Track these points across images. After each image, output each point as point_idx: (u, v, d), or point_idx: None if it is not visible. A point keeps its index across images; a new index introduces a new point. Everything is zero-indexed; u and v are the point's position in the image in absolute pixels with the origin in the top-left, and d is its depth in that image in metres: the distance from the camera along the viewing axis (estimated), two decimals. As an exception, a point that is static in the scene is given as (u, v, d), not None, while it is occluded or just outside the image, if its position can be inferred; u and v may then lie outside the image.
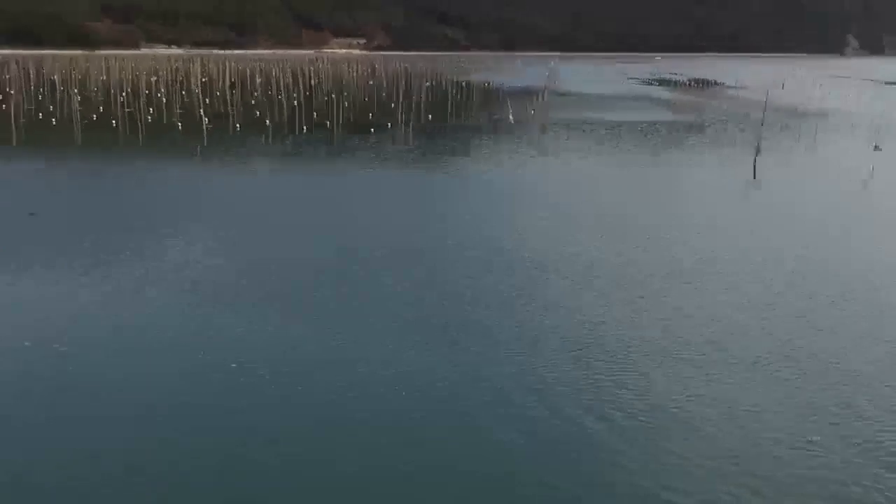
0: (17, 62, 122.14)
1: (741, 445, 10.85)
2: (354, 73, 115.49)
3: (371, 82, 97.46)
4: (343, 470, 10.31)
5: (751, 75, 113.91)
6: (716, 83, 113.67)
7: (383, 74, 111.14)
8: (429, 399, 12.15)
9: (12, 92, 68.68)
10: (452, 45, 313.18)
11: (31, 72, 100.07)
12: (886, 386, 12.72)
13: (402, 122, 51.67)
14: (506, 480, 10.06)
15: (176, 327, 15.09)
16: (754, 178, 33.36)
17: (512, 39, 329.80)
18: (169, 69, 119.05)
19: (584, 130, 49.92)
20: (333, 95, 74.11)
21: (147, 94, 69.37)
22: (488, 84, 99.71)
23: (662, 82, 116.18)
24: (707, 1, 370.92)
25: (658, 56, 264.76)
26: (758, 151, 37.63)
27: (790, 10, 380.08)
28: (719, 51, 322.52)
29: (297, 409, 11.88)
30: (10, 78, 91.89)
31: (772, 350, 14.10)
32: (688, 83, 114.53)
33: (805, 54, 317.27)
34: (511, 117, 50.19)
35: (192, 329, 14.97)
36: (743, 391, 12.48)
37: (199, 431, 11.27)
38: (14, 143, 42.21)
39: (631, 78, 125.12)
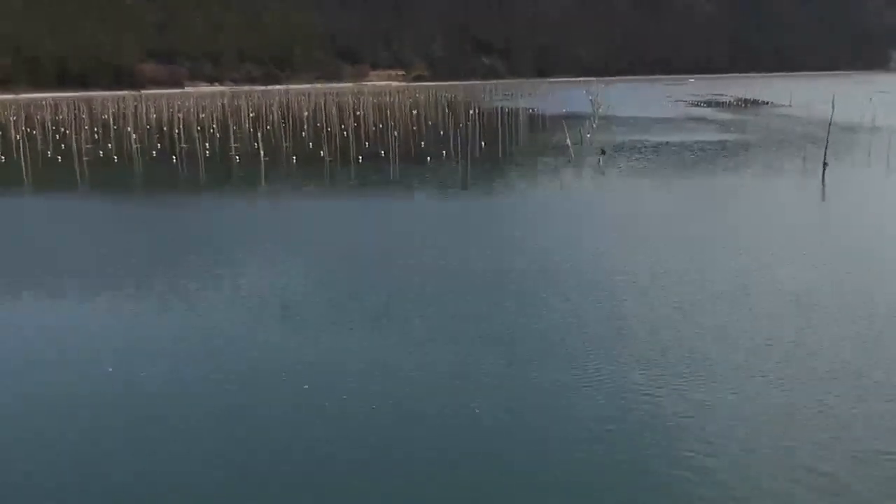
0: (67, 104, 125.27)
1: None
2: (398, 104, 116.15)
3: (416, 112, 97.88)
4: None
5: (798, 93, 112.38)
6: (764, 102, 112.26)
7: (427, 104, 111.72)
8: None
9: (68, 132, 70.08)
10: (490, 74, 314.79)
11: (83, 112, 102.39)
12: None
13: (455, 150, 51.46)
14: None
15: (249, 344, 14.79)
16: (823, 197, 32.62)
17: (548, 66, 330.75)
18: (215, 106, 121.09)
19: (643, 152, 49.27)
20: (381, 125, 74.49)
21: (200, 130, 70.30)
22: (533, 110, 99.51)
23: (710, 103, 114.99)
24: (746, 21, 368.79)
25: (691, 78, 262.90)
26: (825, 168, 36.79)
27: (831, 27, 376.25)
28: (760, 71, 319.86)
29: (361, 430, 11.42)
30: (62, 119, 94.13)
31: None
32: (736, 103, 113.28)
33: (848, 71, 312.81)
34: (568, 142, 49.73)
35: (274, 348, 14.65)
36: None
37: (253, 437, 10.88)
38: (79, 182, 42.76)
39: (677, 100, 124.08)
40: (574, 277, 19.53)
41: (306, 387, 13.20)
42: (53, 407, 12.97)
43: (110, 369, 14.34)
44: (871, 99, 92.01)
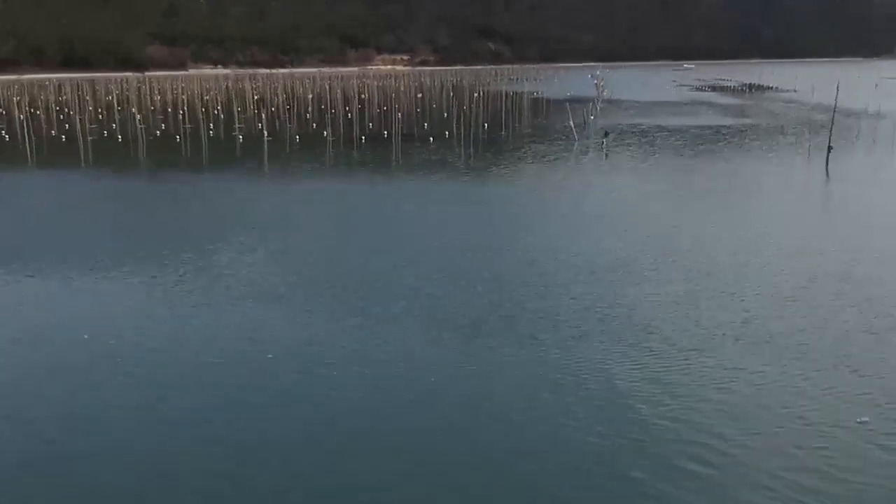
0: (70, 85, 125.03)
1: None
2: (402, 88, 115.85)
3: (420, 95, 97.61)
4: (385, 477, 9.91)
5: (803, 79, 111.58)
6: (769, 87, 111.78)
7: (431, 88, 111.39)
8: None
9: (72, 113, 70.07)
10: (495, 59, 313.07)
11: (87, 94, 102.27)
12: None
13: (458, 132, 51.40)
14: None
15: (241, 328, 14.87)
16: (827, 177, 32.68)
17: (552, 52, 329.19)
18: (219, 88, 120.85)
19: (646, 135, 49.19)
20: (385, 108, 74.34)
21: (204, 112, 70.22)
22: (537, 93, 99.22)
23: (714, 88, 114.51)
24: (749, 9, 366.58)
25: (688, 64, 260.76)
26: (829, 150, 36.77)
27: (834, 14, 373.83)
28: (766, 57, 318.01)
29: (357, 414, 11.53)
30: (65, 99, 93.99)
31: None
32: (741, 88, 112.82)
33: (853, 58, 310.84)
34: (571, 123, 49.64)
35: (262, 329, 14.73)
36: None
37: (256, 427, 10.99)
38: (83, 163, 42.81)
39: (681, 85, 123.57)
40: (574, 262, 19.53)
41: (305, 369, 13.15)
42: (45, 379, 13.12)
43: (112, 341, 14.50)
44: (876, 85, 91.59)
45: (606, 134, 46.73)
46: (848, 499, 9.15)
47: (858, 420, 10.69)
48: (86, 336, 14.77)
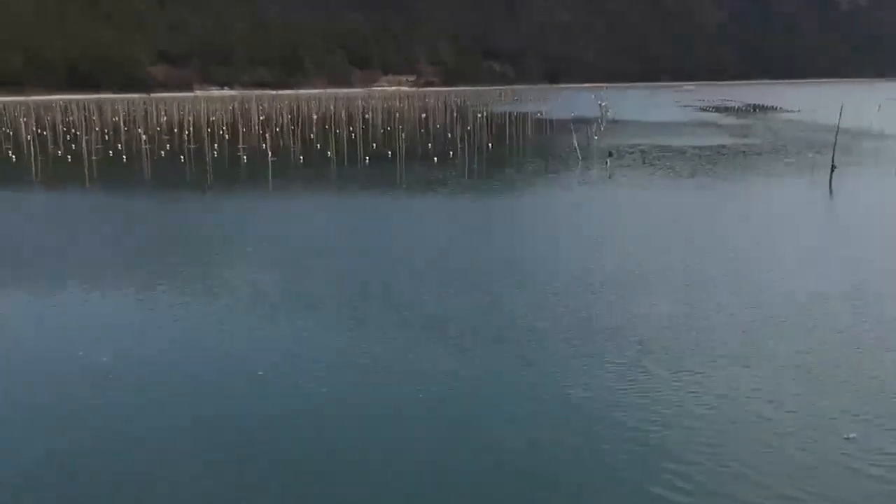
0: (77, 106, 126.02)
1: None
2: (407, 108, 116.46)
3: (424, 115, 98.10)
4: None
5: (807, 99, 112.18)
6: (772, 108, 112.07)
7: (436, 108, 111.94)
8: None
9: (79, 133, 70.52)
10: (499, 80, 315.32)
11: (93, 114, 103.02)
12: None
13: (462, 151, 51.57)
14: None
15: (248, 341, 14.86)
16: (830, 196, 32.73)
17: (556, 72, 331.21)
18: (225, 109, 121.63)
19: (650, 154, 49.26)
20: (389, 128, 74.71)
21: (209, 132, 70.64)
22: (541, 113, 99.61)
23: (718, 108, 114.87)
24: (753, 29, 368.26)
25: (688, 85, 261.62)
26: (832, 170, 36.83)
27: (839, 34, 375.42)
28: (770, 77, 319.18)
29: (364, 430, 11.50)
30: (72, 120, 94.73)
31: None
32: (744, 108, 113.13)
33: (858, 78, 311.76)
34: (575, 143, 49.77)
35: (276, 343, 14.72)
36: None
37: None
38: (87, 182, 43.03)
39: (685, 105, 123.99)
40: (575, 278, 19.44)
41: (313, 384, 13.08)
42: (39, 392, 13.12)
43: (105, 359, 14.39)
44: (879, 107, 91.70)
45: (610, 154, 46.82)
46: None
47: (846, 436, 10.67)
48: (80, 353, 14.76)
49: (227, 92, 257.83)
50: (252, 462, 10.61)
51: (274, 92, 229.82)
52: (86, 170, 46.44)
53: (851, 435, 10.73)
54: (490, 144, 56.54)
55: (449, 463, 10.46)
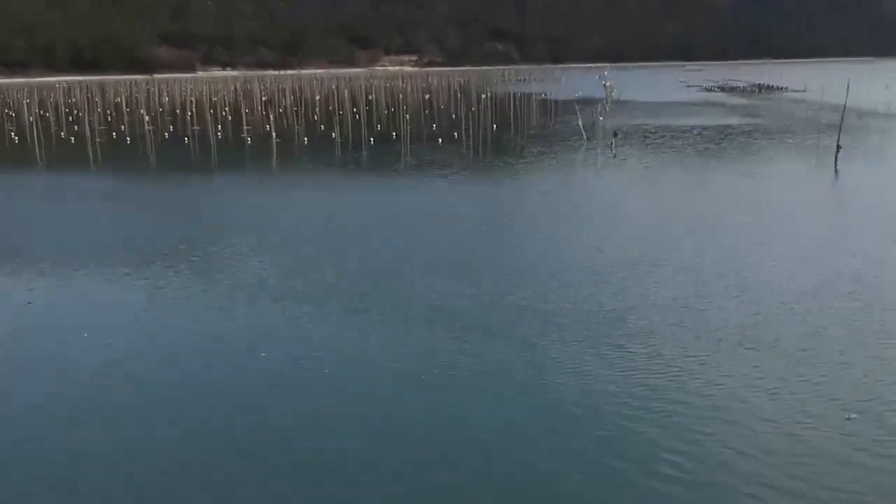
0: (80, 87, 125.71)
1: None
2: (410, 89, 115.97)
3: (428, 96, 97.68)
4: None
5: (813, 79, 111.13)
6: (779, 88, 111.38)
7: (440, 88, 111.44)
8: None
9: (81, 115, 70.36)
10: (503, 60, 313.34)
11: (96, 96, 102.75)
12: None
13: (467, 132, 51.36)
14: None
15: (249, 328, 14.84)
16: (836, 176, 32.54)
17: (560, 53, 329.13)
18: (228, 90, 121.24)
19: (656, 134, 49.01)
20: (393, 109, 74.40)
21: (212, 113, 70.44)
22: (545, 95, 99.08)
23: (724, 88, 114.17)
24: (758, 9, 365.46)
25: (690, 66, 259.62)
26: (838, 150, 36.58)
27: (845, 14, 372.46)
28: (776, 58, 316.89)
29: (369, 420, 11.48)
30: (75, 101, 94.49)
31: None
32: (750, 88, 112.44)
33: (864, 58, 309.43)
34: (580, 124, 49.52)
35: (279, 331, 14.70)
36: None
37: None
38: (91, 164, 42.97)
39: (690, 85, 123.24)
40: (580, 261, 19.38)
41: (326, 371, 13.04)
42: (44, 379, 13.10)
43: (109, 342, 14.43)
44: (886, 86, 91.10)
45: (615, 134, 46.58)
46: (836, 498, 9.10)
47: (847, 417, 10.72)
48: (85, 335, 14.76)
49: (229, 72, 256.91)
50: (251, 445, 10.63)
51: (276, 72, 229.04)
52: (89, 152, 46.32)
53: (853, 416, 10.78)
54: (494, 125, 56.29)
55: (449, 454, 10.40)
